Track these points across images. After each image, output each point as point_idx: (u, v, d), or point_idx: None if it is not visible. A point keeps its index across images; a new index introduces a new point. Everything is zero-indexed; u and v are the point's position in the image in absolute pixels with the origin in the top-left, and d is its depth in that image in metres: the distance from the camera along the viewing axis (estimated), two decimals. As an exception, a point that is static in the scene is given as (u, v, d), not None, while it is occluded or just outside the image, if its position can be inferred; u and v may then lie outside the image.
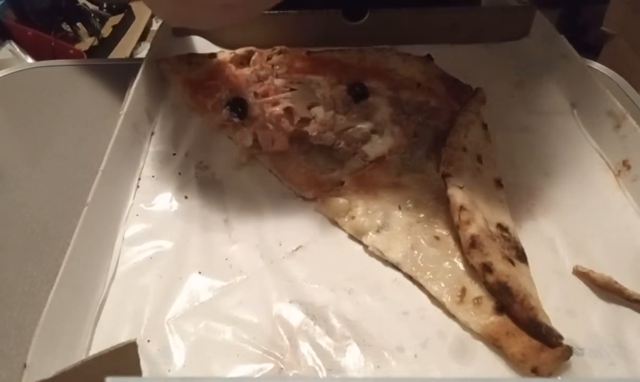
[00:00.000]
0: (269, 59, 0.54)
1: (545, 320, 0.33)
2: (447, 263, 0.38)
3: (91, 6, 1.46)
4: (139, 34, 1.46)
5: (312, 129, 0.47)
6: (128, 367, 0.28)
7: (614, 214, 0.42)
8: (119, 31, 1.46)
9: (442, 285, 0.36)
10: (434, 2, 0.59)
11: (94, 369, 0.26)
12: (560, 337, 0.33)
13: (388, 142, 0.46)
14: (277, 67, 0.53)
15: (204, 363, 0.33)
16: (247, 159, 0.47)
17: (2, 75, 0.60)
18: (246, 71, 0.53)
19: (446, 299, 0.36)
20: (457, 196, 0.39)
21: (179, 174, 0.46)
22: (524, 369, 0.32)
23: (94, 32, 1.42)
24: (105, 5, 1.47)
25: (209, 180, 0.45)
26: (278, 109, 0.48)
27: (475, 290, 0.36)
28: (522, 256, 0.38)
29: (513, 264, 0.36)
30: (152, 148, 0.48)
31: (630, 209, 0.42)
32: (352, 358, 0.33)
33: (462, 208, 0.38)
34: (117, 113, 0.45)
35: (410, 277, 0.38)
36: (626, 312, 0.36)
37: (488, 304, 0.35)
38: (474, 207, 0.38)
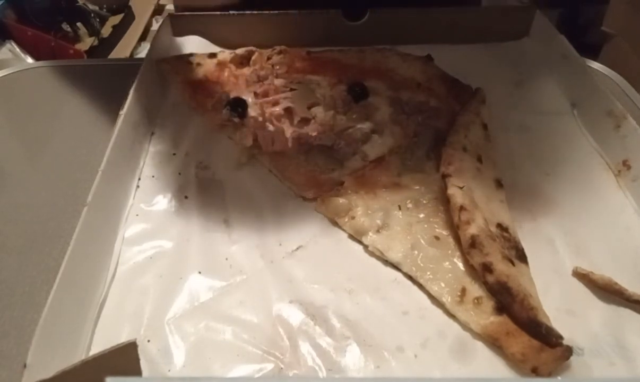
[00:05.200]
0: (269, 59, 0.54)
1: (545, 320, 0.33)
2: (447, 263, 0.38)
3: (91, 6, 1.45)
4: (139, 34, 1.46)
5: (312, 129, 0.47)
6: (128, 367, 0.28)
7: (614, 214, 0.42)
8: (119, 31, 1.46)
9: (442, 285, 0.36)
10: (434, 2, 0.59)
11: (94, 369, 0.26)
12: (560, 337, 0.33)
13: (388, 142, 0.46)
14: (277, 67, 0.53)
15: (204, 363, 0.33)
16: (247, 159, 0.47)
17: (2, 75, 0.60)
18: (246, 71, 0.53)
19: (446, 299, 0.36)
20: (457, 195, 0.39)
21: (179, 174, 0.46)
22: (524, 369, 0.32)
23: (94, 32, 1.42)
24: (105, 6, 1.47)
25: (209, 180, 0.45)
26: (278, 109, 0.48)
27: (475, 290, 0.36)
28: (522, 256, 0.38)
29: (513, 264, 0.36)
30: (152, 148, 0.48)
31: (630, 209, 0.42)
32: (352, 358, 0.33)
33: (462, 208, 0.38)
34: (117, 113, 0.45)
35: (410, 277, 0.38)
36: (626, 312, 0.36)
37: (488, 304, 0.35)
38: (474, 207, 0.38)
